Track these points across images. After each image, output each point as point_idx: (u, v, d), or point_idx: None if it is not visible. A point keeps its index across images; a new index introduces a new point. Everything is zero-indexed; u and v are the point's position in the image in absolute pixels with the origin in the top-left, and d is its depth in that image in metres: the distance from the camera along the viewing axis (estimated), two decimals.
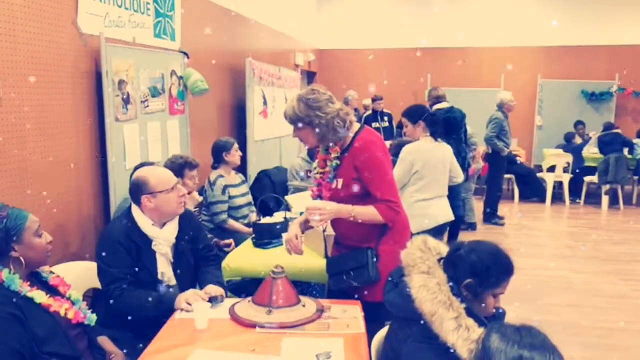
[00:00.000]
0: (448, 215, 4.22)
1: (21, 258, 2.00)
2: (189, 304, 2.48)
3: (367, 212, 2.57)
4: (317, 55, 10.75)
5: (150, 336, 2.24)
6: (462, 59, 10.71)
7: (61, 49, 3.32)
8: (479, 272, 1.89)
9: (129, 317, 2.46)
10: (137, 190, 2.66)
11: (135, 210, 2.67)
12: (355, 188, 2.58)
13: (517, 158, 9.15)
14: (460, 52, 10.73)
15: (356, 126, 2.66)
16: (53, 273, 2.20)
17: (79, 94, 3.52)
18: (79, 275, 2.80)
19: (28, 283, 2.01)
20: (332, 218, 2.58)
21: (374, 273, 2.56)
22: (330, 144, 2.64)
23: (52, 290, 2.11)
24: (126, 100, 3.85)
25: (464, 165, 5.74)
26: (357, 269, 2.60)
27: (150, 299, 2.51)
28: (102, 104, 3.62)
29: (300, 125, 2.57)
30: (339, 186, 2.62)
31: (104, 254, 2.58)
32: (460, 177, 4.39)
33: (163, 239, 2.66)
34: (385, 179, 2.59)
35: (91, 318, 2.17)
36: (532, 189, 9.08)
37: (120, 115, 3.79)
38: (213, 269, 2.89)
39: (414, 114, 4.28)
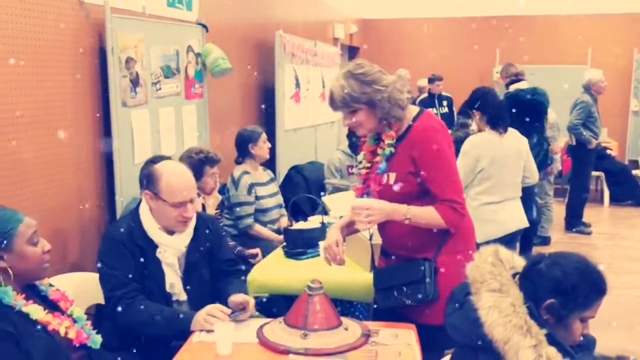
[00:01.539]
0: (521, 222, 4.16)
1: (9, 269, 2.04)
2: (211, 317, 2.50)
3: (426, 215, 2.53)
4: (360, 26, 10.73)
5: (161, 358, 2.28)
6: (540, 30, 10.54)
7: (59, 21, 3.40)
8: (563, 291, 1.86)
9: (136, 334, 2.50)
10: (146, 180, 2.71)
11: (143, 210, 2.71)
12: (412, 184, 2.56)
13: (608, 151, 8.97)
14: (537, 22, 10.56)
15: (413, 109, 2.64)
16: (53, 286, 2.25)
17: (80, 75, 3.59)
18: (80, 289, 2.87)
19: (23, 296, 2.05)
20: (383, 220, 2.54)
21: (432, 290, 2.54)
22: (385, 129, 2.60)
23: (51, 306, 2.16)
24: (135, 82, 3.92)
25: (546, 161, 5.62)
26: (411, 285, 2.58)
27: (162, 313, 2.54)
28: (107, 86, 3.70)
29: (356, 107, 2.54)
30: (391, 181, 2.58)
31: (106, 255, 2.63)
32: (534, 177, 4.33)
33: (169, 246, 2.69)
34: (449, 175, 2.57)
35: (95, 340, 2.22)
36: (625, 189, 8.91)
37: (128, 99, 3.86)
38: (235, 280, 2.89)
39: (469, 102, 4.26)
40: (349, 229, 2.75)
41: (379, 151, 2.63)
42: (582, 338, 1.92)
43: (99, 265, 2.65)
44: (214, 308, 2.56)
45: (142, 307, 2.55)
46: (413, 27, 10.89)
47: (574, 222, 7.60)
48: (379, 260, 2.89)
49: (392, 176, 2.58)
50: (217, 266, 2.89)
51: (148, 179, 2.69)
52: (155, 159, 3.36)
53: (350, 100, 2.52)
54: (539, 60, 10.31)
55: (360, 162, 2.75)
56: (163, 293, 2.68)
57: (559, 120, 6.85)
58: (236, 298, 2.63)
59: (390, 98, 2.52)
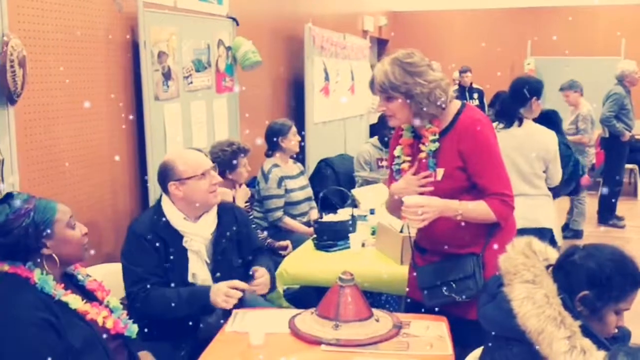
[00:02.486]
0: (527, 221, 3.97)
1: (54, 255, 2.09)
2: (229, 298, 2.56)
3: (477, 209, 2.50)
4: (390, 18, 10.69)
5: (192, 346, 2.32)
6: (571, 20, 10.39)
7: (92, 15, 3.45)
8: (598, 283, 1.85)
9: (159, 322, 2.57)
10: (164, 176, 2.75)
11: (165, 202, 2.76)
12: (460, 179, 2.53)
13: None
14: (569, 13, 10.42)
15: (456, 103, 2.61)
16: (89, 276, 2.30)
17: (113, 69, 3.65)
18: (114, 279, 2.91)
19: (62, 285, 2.11)
20: (436, 217, 2.46)
21: (482, 285, 2.50)
22: (427, 124, 2.56)
23: (88, 296, 2.21)
24: (167, 76, 3.97)
25: (577, 172, 5.17)
26: (461, 281, 2.55)
27: (179, 295, 2.59)
28: (140, 80, 3.75)
29: (394, 94, 2.50)
30: (439, 177, 2.54)
31: (128, 251, 2.69)
32: (553, 180, 4.14)
33: (196, 234, 2.73)
34: (497, 167, 2.54)
35: (132, 329, 2.26)
36: None
37: (160, 93, 3.90)
38: (261, 256, 2.98)
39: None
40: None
41: (423, 147, 2.57)
42: (616, 330, 1.91)
43: (121, 260, 2.72)
44: (231, 287, 2.59)
45: (157, 295, 2.61)
46: (443, 19, 10.82)
47: (606, 215, 7.50)
48: (417, 258, 2.80)
49: (440, 172, 2.54)
50: (246, 254, 2.93)
51: (166, 173, 2.75)
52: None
53: (389, 86, 2.49)
54: (571, 51, 10.17)
55: (399, 157, 2.69)
56: (186, 283, 2.72)
57: (592, 112, 6.77)
58: (257, 271, 2.73)
59: (430, 95, 2.48)
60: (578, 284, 1.87)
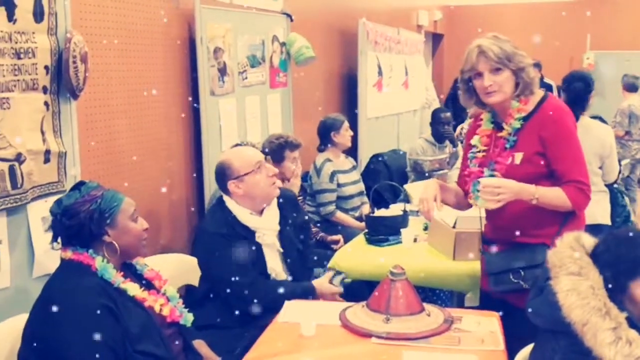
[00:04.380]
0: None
1: (115, 243, 2.17)
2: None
3: (554, 195, 2.52)
4: (445, 13, 10.58)
5: (248, 338, 2.37)
6: (633, 14, 10.10)
7: (151, 12, 3.53)
8: (610, 262, 1.87)
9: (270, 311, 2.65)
10: (222, 177, 2.83)
11: (228, 202, 2.83)
12: (537, 166, 2.55)
13: None
14: (629, 5, 10.12)
15: (540, 91, 2.65)
16: (147, 266, 2.37)
17: (171, 64, 3.73)
18: (170, 269, 2.99)
19: (122, 274, 2.18)
20: (511, 200, 2.48)
21: None
22: (514, 103, 2.59)
23: (146, 284, 2.28)
24: (222, 72, 4.03)
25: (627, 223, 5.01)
26: (529, 269, 2.55)
27: (294, 290, 2.79)
28: (197, 75, 3.82)
29: (507, 65, 2.53)
30: (517, 161, 2.57)
31: (213, 249, 2.74)
32: (610, 176, 4.05)
33: (266, 228, 2.81)
34: (577, 156, 2.57)
35: (187, 318, 2.32)
36: None
37: (216, 88, 3.97)
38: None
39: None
40: (443, 193, 2.72)
41: (506, 126, 2.60)
42: None
43: (205, 260, 2.80)
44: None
45: (270, 287, 2.77)
46: (499, 13, 10.65)
47: None
48: (482, 246, 2.84)
49: (519, 156, 2.57)
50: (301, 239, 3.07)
51: (223, 173, 2.83)
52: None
53: (505, 57, 2.52)
54: (631, 45, 9.89)
55: (475, 146, 2.72)
56: (265, 276, 2.81)
57: (636, 107, 6.66)
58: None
59: (529, 73, 2.55)
60: (602, 271, 1.88)
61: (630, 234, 1.95)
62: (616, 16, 10.11)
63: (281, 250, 2.87)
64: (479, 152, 2.69)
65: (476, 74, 2.57)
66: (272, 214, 2.86)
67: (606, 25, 10.16)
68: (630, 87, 7.05)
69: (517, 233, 2.59)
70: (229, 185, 2.80)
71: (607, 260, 1.89)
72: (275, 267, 2.84)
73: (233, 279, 2.69)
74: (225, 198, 2.84)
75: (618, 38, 9.98)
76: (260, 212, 2.84)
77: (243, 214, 2.79)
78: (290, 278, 2.91)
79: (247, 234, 2.78)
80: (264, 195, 2.81)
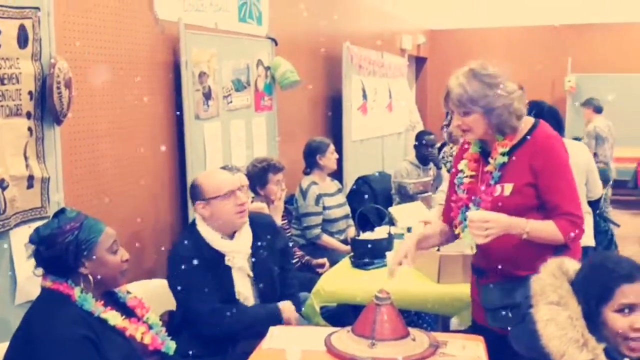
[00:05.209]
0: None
1: (89, 276, 2.13)
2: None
3: (545, 229, 2.40)
4: (428, 37, 10.68)
5: None
6: (612, 37, 10.23)
7: (135, 37, 3.53)
8: (578, 288, 1.87)
9: (233, 339, 2.65)
10: (193, 195, 2.84)
11: (199, 224, 2.82)
12: (528, 197, 2.44)
13: None
14: (609, 29, 10.26)
15: (529, 119, 2.52)
16: (130, 293, 2.34)
17: (156, 88, 3.72)
18: (154, 295, 2.95)
19: (102, 302, 2.15)
20: (501, 234, 2.36)
21: None
22: (498, 137, 2.48)
23: (127, 312, 2.25)
24: (207, 95, 4.03)
25: (610, 247, 5.05)
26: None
27: (257, 313, 2.76)
28: (181, 99, 3.82)
29: (472, 109, 2.41)
30: (506, 193, 2.45)
31: (181, 275, 2.71)
32: (594, 193, 4.09)
33: (237, 251, 2.78)
34: (570, 187, 2.46)
35: (169, 346, 2.29)
36: None
37: (200, 112, 3.97)
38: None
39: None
40: (423, 243, 2.67)
41: (491, 160, 2.50)
42: (635, 332, 1.84)
43: (177, 286, 2.75)
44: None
45: (234, 313, 2.70)
46: (481, 36, 10.76)
47: None
48: (473, 279, 2.73)
49: (509, 187, 2.45)
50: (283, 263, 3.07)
51: (194, 193, 2.84)
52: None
53: (468, 101, 2.40)
54: (612, 68, 10.01)
55: (462, 171, 2.61)
56: (233, 302, 2.76)
57: (603, 129, 6.79)
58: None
59: (510, 106, 2.41)
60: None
61: (600, 260, 1.95)
62: (596, 40, 10.25)
63: (251, 274, 2.84)
64: (466, 177, 2.58)
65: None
66: (244, 238, 2.84)
67: (587, 49, 10.29)
68: (597, 109, 7.23)
69: (511, 265, 2.48)
70: (196, 205, 2.81)
71: (581, 288, 1.89)
72: (244, 292, 2.80)
73: (193, 306, 2.69)
74: (197, 219, 2.84)
75: (599, 61, 10.11)
76: (232, 236, 2.82)
77: (213, 237, 2.78)
78: (259, 302, 2.87)
79: (216, 257, 2.75)
80: (228, 222, 2.79)
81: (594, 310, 1.85)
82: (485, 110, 2.41)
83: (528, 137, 2.47)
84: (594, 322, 1.85)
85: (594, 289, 1.86)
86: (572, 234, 2.41)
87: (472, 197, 2.53)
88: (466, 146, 2.66)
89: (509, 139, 2.47)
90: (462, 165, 2.62)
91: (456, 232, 2.60)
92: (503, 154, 2.47)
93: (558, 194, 2.43)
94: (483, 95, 2.39)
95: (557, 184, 2.43)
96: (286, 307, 2.89)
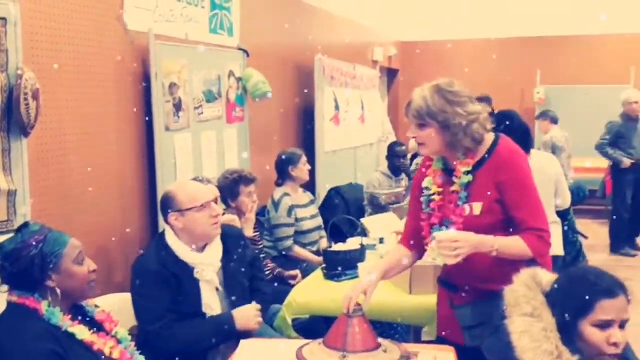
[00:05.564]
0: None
1: (57, 289, 2.10)
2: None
3: (513, 245, 2.39)
4: (399, 48, 10.75)
5: None
6: (581, 49, 10.40)
7: (105, 48, 3.50)
8: (558, 301, 1.88)
9: (182, 356, 2.56)
10: (165, 206, 2.79)
11: (169, 235, 2.78)
12: (496, 213, 2.43)
13: None
14: (578, 41, 10.44)
15: (490, 134, 2.52)
16: (98, 307, 2.31)
17: (125, 100, 3.69)
18: (123, 309, 2.91)
19: (69, 316, 2.12)
20: (470, 253, 2.34)
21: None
22: (460, 156, 2.48)
23: (96, 326, 2.22)
24: (177, 107, 4.01)
25: (578, 258, 5.18)
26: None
27: (203, 326, 2.65)
28: (151, 110, 3.79)
29: (428, 122, 2.41)
30: (476, 212, 2.44)
31: (140, 288, 2.70)
32: (562, 201, 4.15)
33: (206, 264, 2.75)
34: (536, 201, 2.45)
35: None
36: None
37: (170, 123, 3.94)
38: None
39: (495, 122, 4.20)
40: (384, 276, 2.65)
41: (455, 180, 2.48)
42: (614, 348, 1.86)
43: (134, 298, 2.73)
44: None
45: (182, 330, 2.63)
46: (452, 48, 10.86)
47: (617, 244, 7.47)
48: (443, 294, 2.70)
49: (477, 206, 2.44)
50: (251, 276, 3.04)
51: (167, 204, 2.79)
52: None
53: (425, 113, 2.40)
54: (581, 80, 10.17)
55: (428, 188, 2.58)
56: (199, 314, 2.74)
57: (559, 139, 6.96)
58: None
59: (467, 127, 2.40)
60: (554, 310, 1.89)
61: (582, 273, 1.95)
62: (564, 52, 10.40)
63: (220, 287, 2.80)
64: (433, 194, 2.55)
65: None
66: (214, 250, 2.81)
67: (555, 60, 10.44)
68: (553, 120, 7.44)
69: (487, 280, 2.45)
70: (169, 217, 2.76)
71: (559, 299, 1.90)
72: (212, 304, 2.76)
73: (142, 323, 2.68)
74: (167, 230, 2.80)
75: (567, 73, 10.27)
76: (202, 248, 2.79)
77: (182, 250, 2.74)
78: None
79: (183, 270, 2.71)
80: (202, 234, 2.77)
81: (571, 323, 1.86)
82: (441, 126, 2.41)
83: (490, 153, 2.47)
84: (570, 334, 1.86)
85: (574, 301, 1.87)
86: (542, 251, 2.43)
87: (442, 219, 2.51)
88: (428, 162, 2.64)
89: (470, 156, 2.47)
90: (426, 182, 2.60)
91: (427, 252, 2.56)
92: (466, 173, 2.46)
93: (525, 209, 2.43)
94: (441, 111, 2.39)
95: (523, 199, 2.43)
96: (241, 313, 2.76)
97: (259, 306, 2.84)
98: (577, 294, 1.87)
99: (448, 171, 2.55)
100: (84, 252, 2.22)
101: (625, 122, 7.23)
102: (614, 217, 7.50)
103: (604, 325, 1.85)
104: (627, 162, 7.20)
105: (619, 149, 7.22)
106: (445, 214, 2.51)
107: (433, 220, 2.54)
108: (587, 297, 1.85)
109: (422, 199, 2.61)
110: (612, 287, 1.87)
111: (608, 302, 1.85)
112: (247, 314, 2.74)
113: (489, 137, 2.51)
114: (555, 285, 1.95)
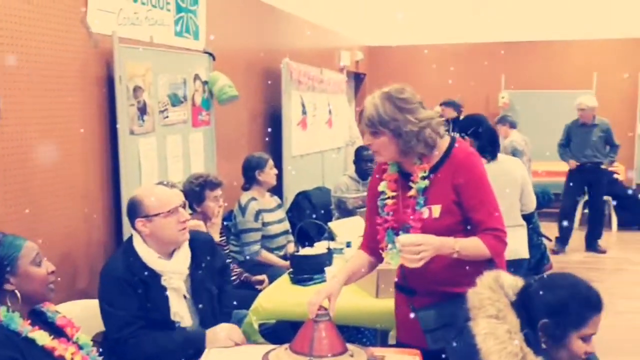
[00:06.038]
0: (513, 252, 4.02)
1: (17, 291, 2.07)
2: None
3: (472, 246, 2.41)
4: (366, 53, 10.81)
5: None
6: (544, 55, 10.57)
7: (68, 51, 3.45)
8: (554, 311, 1.88)
9: None
10: (132, 212, 2.74)
11: (137, 242, 2.73)
12: (455, 215, 2.45)
13: (615, 176, 8.94)
14: (542, 47, 10.61)
15: (446, 137, 2.52)
16: (59, 313, 2.27)
17: (88, 103, 3.64)
18: (87, 316, 2.87)
19: (29, 322, 2.08)
20: (433, 256, 2.33)
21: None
22: (416, 161, 2.48)
23: (56, 332, 2.18)
24: (142, 110, 3.97)
25: (542, 260, 5.31)
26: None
27: (173, 339, 2.59)
28: (115, 114, 3.74)
29: (381, 130, 2.41)
30: (436, 214, 2.45)
31: (108, 295, 2.65)
32: (529, 206, 4.20)
33: (173, 272, 2.71)
34: (492, 202, 2.47)
35: None
36: (632, 214, 8.89)
37: (135, 127, 3.90)
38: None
39: (462, 127, 4.24)
40: (347, 282, 2.64)
41: (412, 185, 2.48)
42: (584, 357, 1.91)
43: (101, 305, 2.68)
44: (234, 331, 2.67)
45: (150, 340, 2.59)
46: (418, 53, 10.95)
47: (563, 246, 7.76)
48: (402, 299, 2.69)
49: (437, 209, 2.45)
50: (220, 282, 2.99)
51: (134, 209, 2.74)
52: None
53: (378, 122, 2.40)
54: (544, 85, 10.34)
55: (383, 192, 2.58)
56: (168, 322, 2.69)
57: (519, 143, 7.20)
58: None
59: (419, 134, 2.41)
60: (537, 315, 1.90)
61: (578, 287, 1.95)
62: (528, 58, 10.57)
63: (188, 295, 2.76)
64: (388, 198, 2.55)
65: None
66: (182, 257, 2.77)
67: (520, 66, 10.59)
68: (512, 125, 7.67)
69: (448, 283, 2.47)
70: (136, 223, 2.71)
71: (553, 309, 1.90)
72: (180, 312, 2.72)
73: (109, 331, 2.64)
74: (135, 236, 2.75)
75: (531, 78, 10.43)
76: (170, 255, 2.76)
77: (149, 257, 2.70)
78: (197, 323, 2.79)
79: (151, 277, 2.67)
80: (170, 239, 2.73)
81: (560, 331, 1.88)
82: (394, 134, 2.41)
83: (447, 156, 2.49)
84: (557, 340, 1.89)
85: (571, 315, 1.88)
86: (499, 251, 2.46)
87: (401, 223, 2.52)
88: (384, 167, 2.64)
89: (425, 161, 2.49)
90: (382, 187, 2.60)
91: (385, 259, 2.58)
92: (423, 177, 2.47)
93: (482, 211, 2.45)
94: (393, 119, 2.39)
95: (480, 201, 2.45)
96: (214, 335, 2.67)
97: (236, 327, 2.79)
98: (575, 308, 1.89)
99: (404, 175, 2.56)
100: (41, 254, 2.19)
101: (576, 126, 7.55)
102: (559, 217, 7.74)
103: (587, 338, 1.90)
104: (572, 163, 7.53)
105: (571, 151, 7.56)
106: (402, 218, 2.51)
107: (390, 225, 2.55)
108: (583, 313, 1.89)
109: (378, 203, 2.61)
110: (601, 303, 1.92)
111: (597, 317, 1.90)
112: (219, 337, 2.64)
113: (445, 141, 2.52)
114: (532, 291, 1.96)
